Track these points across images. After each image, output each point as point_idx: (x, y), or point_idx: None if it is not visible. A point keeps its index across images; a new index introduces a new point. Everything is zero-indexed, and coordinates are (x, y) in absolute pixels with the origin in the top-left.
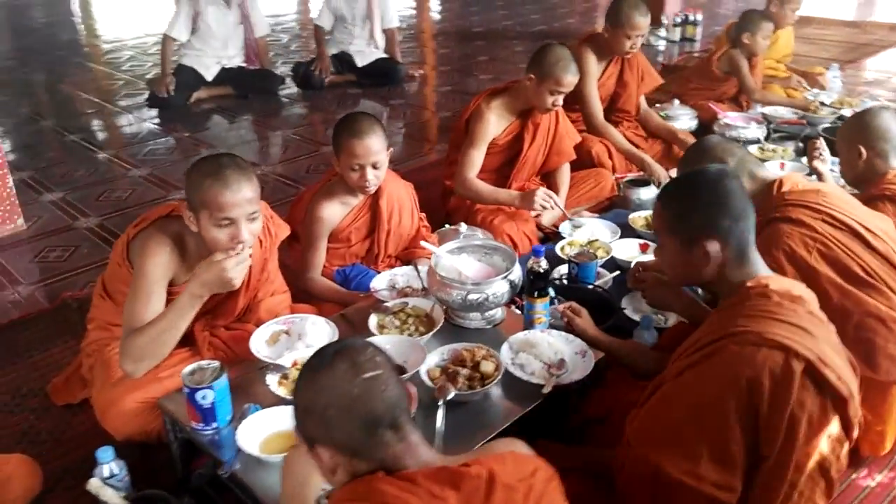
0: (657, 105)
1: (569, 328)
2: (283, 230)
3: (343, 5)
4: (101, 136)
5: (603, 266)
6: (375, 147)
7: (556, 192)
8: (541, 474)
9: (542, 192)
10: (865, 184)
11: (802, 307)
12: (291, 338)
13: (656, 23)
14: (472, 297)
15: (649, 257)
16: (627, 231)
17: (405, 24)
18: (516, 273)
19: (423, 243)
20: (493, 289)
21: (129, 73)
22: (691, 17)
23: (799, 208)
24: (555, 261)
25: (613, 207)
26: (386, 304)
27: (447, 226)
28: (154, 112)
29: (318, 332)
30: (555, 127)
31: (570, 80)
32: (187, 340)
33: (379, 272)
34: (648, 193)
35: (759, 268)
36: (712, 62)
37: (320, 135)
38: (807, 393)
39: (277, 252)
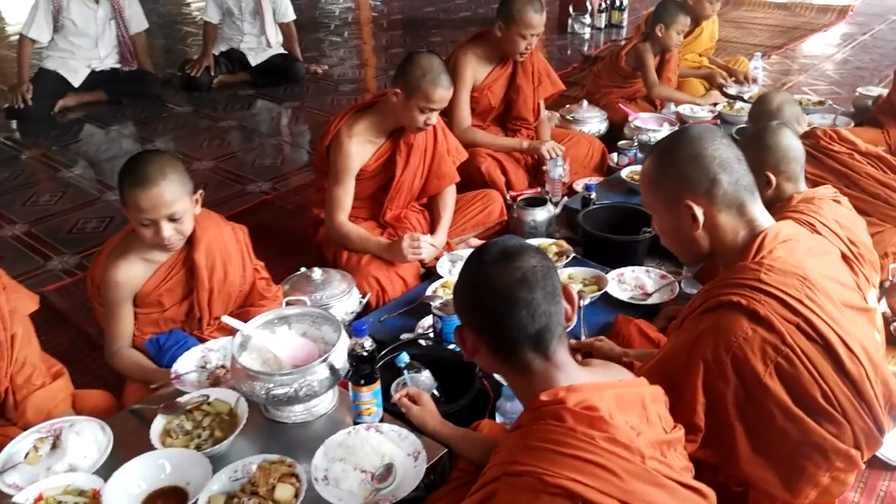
0: (566, 106)
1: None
2: (27, 304)
3: None
4: None
5: None
6: (168, 196)
7: (438, 219)
8: None
9: (407, 241)
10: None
11: (602, 432)
12: (57, 451)
13: (580, 8)
14: (278, 391)
15: None
16: None
17: (316, 11)
18: (339, 352)
19: (224, 319)
20: (307, 378)
21: None
22: (617, 2)
23: (773, 300)
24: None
25: (507, 232)
26: (178, 400)
27: (303, 269)
28: (13, 125)
29: (84, 445)
30: (433, 147)
31: (442, 94)
32: None
33: (203, 339)
34: (544, 214)
35: (559, 374)
36: (621, 57)
37: (203, 145)
38: None
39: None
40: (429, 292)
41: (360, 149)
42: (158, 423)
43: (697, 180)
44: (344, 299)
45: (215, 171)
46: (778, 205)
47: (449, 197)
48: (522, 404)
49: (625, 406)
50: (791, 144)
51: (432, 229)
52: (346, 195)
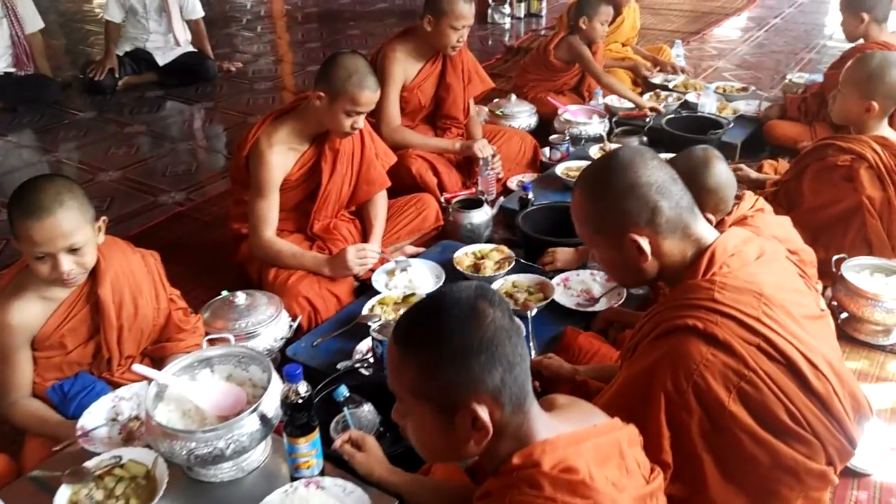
0: (495, 101)
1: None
2: None
3: None
4: None
5: None
6: (65, 226)
7: (370, 228)
8: None
9: (352, 252)
10: None
11: (584, 498)
12: None
13: None
14: (202, 450)
15: None
16: (455, 273)
17: (226, 6)
18: (271, 398)
19: (136, 368)
20: (235, 432)
21: None
22: None
23: (730, 321)
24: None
25: (443, 237)
26: (86, 464)
27: (224, 292)
28: None
29: None
30: (360, 151)
31: (369, 96)
32: None
33: (114, 383)
34: (481, 216)
35: (537, 429)
36: (549, 51)
37: (109, 153)
38: None
39: None
40: (365, 310)
41: (282, 158)
42: (63, 495)
43: (638, 212)
44: (272, 325)
45: (123, 182)
46: None
47: (380, 203)
48: (487, 468)
49: (603, 458)
50: (728, 180)
51: (364, 239)
52: (272, 209)
